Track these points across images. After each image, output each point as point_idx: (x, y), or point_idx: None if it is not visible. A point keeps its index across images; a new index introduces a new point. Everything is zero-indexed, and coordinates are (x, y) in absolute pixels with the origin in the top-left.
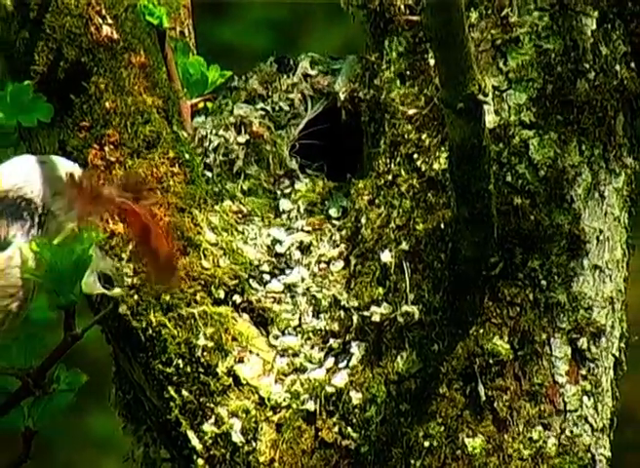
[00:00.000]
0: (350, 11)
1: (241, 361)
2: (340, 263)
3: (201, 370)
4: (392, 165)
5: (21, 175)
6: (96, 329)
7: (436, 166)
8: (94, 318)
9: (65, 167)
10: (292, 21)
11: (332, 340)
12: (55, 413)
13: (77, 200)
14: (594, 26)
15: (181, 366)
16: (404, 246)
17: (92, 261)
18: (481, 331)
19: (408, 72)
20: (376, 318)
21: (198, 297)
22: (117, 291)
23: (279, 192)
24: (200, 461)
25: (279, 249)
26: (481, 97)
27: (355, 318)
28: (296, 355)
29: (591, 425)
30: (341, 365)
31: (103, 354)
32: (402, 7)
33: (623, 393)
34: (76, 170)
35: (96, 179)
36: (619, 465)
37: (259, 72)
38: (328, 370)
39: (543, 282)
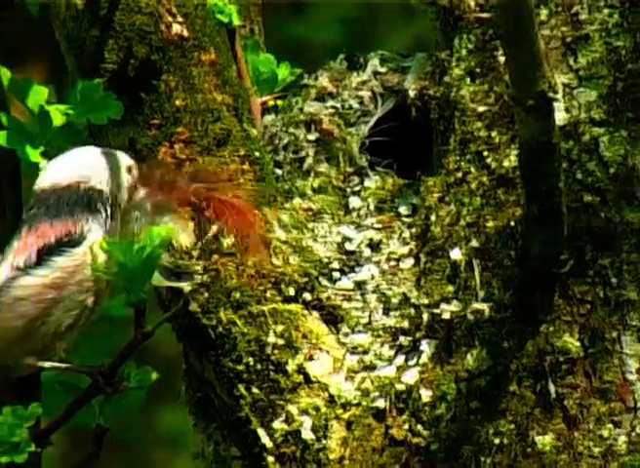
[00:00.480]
0: (421, 8)
1: (311, 358)
2: (410, 261)
3: (271, 367)
4: (462, 162)
5: (86, 165)
6: (166, 327)
7: (506, 163)
8: (164, 315)
9: (125, 160)
10: (363, 19)
11: (402, 338)
12: (125, 411)
13: (152, 191)
14: None
15: (252, 363)
16: (474, 243)
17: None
18: (551, 328)
19: (478, 69)
20: (446, 315)
21: (268, 295)
22: (185, 285)
23: (349, 190)
24: (270, 458)
25: (349, 246)
26: (551, 94)
27: (425, 315)
28: (366, 352)
29: None
30: (411, 362)
31: (175, 352)
32: (472, 4)
33: None
34: (134, 164)
35: (168, 171)
36: None
37: (328, 70)
38: (398, 368)
39: (614, 279)
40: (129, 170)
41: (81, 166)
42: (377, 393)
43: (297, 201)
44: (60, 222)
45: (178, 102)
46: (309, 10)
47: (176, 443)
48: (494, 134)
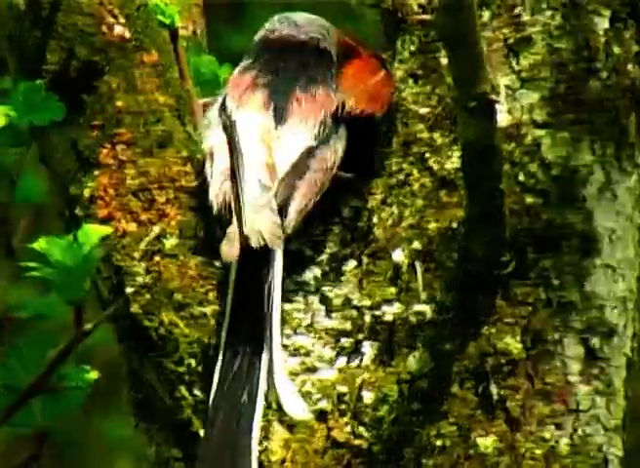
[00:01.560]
0: (361, 11)
1: None
2: (352, 263)
3: (213, 369)
4: (404, 164)
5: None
6: (106, 330)
7: (448, 165)
8: (103, 314)
9: None
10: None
11: (343, 340)
12: (66, 411)
13: None
14: (606, 26)
15: (193, 365)
16: (416, 245)
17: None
18: (493, 330)
19: (420, 71)
20: (388, 317)
21: (210, 296)
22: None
23: None
24: None
25: (290, 247)
26: (493, 96)
27: (367, 317)
28: (307, 355)
29: (603, 425)
30: (353, 364)
31: (114, 355)
32: (414, 6)
33: None
34: None
35: None
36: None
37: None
38: (340, 370)
39: (555, 281)
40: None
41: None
42: (318, 395)
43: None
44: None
45: (119, 104)
46: (250, 12)
47: (117, 445)
48: (436, 135)
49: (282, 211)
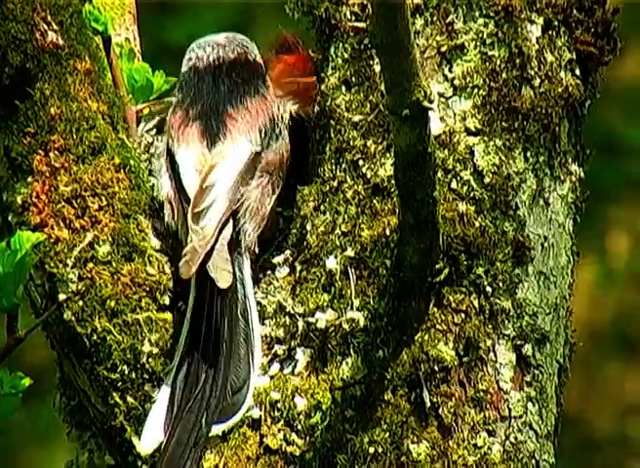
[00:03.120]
0: (296, 17)
1: None
2: (286, 270)
3: (146, 376)
4: (337, 171)
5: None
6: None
7: (381, 172)
8: (37, 321)
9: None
10: (239, 22)
11: (277, 347)
12: (1, 417)
13: None
14: (539, 33)
15: (126, 372)
16: (349, 252)
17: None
18: (426, 337)
19: (353, 79)
20: (321, 324)
21: (143, 304)
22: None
23: None
24: (145, 467)
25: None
26: (426, 103)
27: (300, 324)
28: None
29: (536, 431)
30: (286, 371)
31: (40, 361)
32: (348, 13)
33: None
34: None
35: None
36: None
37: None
38: (273, 377)
39: (488, 288)
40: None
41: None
42: (251, 402)
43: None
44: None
45: (52, 110)
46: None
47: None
48: (369, 143)
49: (238, 225)
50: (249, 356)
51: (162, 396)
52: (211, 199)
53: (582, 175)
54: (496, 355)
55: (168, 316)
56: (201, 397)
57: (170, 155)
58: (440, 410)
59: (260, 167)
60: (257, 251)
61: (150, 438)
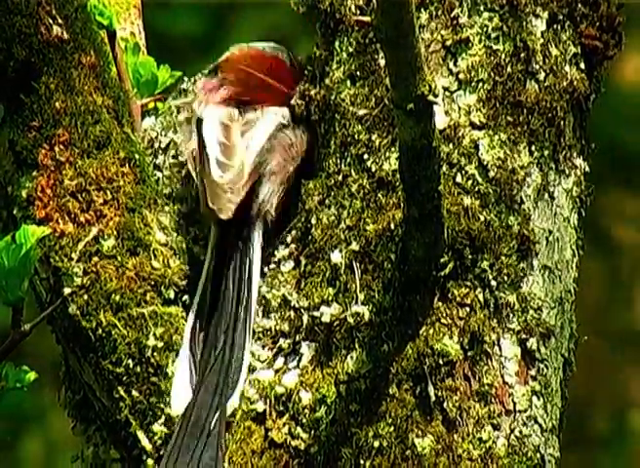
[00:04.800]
0: (301, 11)
1: None
2: (291, 264)
3: (151, 370)
4: (342, 165)
5: None
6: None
7: (386, 166)
8: (42, 315)
9: None
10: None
11: (281, 340)
12: (5, 411)
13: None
14: (544, 27)
15: (131, 366)
16: (354, 246)
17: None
18: (431, 331)
19: (358, 73)
20: (325, 318)
21: (148, 297)
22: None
23: None
24: (150, 461)
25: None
26: (431, 97)
27: (305, 318)
28: None
29: (540, 425)
30: (291, 365)
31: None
32: (352, 7)
33: None
34: None
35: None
36: None
37: (207, 74)
38: (277, 371)
39: (493, 282)
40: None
41: None
42: (256, 396)
43: (177, 205)
44: None
45: (57, 104)
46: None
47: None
48: (374, 137)
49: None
50: (245, 332)
51: (183, 355)
52: (239, 158)
53: (587, 168)
54: (500, 349)
55: (173, 310)
56: (221, 359)
57: (197, 118)
58: (445, 404)
59: (284, 137)
60: (274, 215)
61: (180, 398)
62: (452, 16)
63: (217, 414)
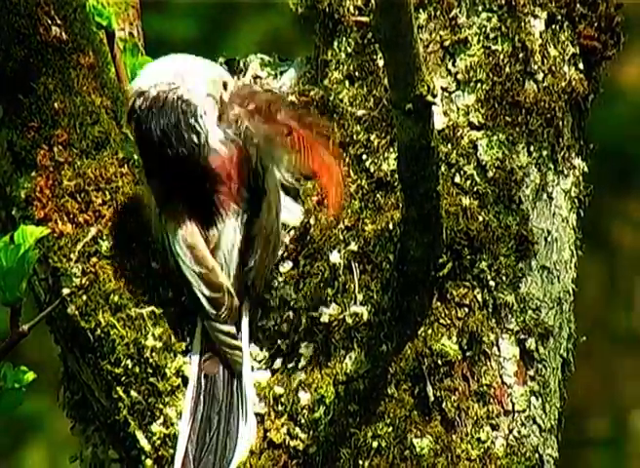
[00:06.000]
0: (299, 11)
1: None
2: (289, 264)
3: (149, 370)
4: (341, 165)
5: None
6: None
7: (385, 167)
8: (40, 315)
9: (220, 73)
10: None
11: (280, 341)
12: (3, 412)
13: (249, 113)
14: (542, 28)
15: (130, 366)
16: (353, 246)
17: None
18: (429, 331)
19: (357, 73)
20: (324, 318)
21: (147, 298)
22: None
23: None
24: (148, 462)
25: None
26: (430, 98)
27: (304, 319)
28: None
29: (539, 426)
30: (290, 365)
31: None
32: (351, 8)
33: None
34: (230, 79)
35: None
36: None
37: None
38: (276, 371)
39: (492, 283)
40: (224, 85)
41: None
42: (255, 396)
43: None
44: None
45: (56, 105)
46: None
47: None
48: (372, 137)
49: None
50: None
51: (181, 438)
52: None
53: (586, 169)
54: (499, 349)
55: (171, 310)
56: (216, 439)
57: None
58: (443, 405)
59: (256, 231)
60: (260, 290)
61: None
62: (450, 16)
63: None
